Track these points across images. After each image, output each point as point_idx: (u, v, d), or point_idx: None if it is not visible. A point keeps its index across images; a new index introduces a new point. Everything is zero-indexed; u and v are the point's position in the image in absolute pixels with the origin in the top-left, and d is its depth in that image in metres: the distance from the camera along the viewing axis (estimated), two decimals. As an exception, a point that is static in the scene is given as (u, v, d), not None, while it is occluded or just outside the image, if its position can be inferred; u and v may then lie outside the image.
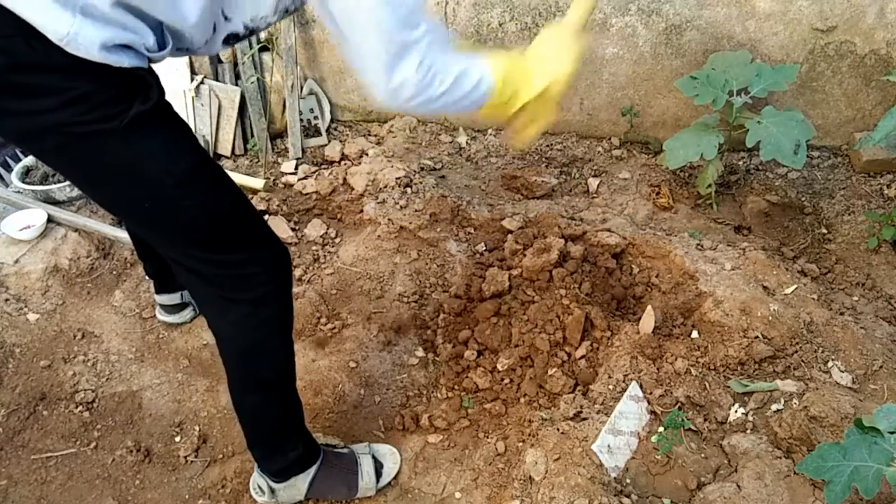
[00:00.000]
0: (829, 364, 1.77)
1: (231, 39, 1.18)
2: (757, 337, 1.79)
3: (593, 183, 2.56)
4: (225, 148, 2.72)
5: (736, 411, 1.69)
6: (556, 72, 1.22)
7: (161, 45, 1.06)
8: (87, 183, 1.14)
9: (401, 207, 2.35)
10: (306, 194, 2.53)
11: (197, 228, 1.17)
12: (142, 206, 1.12)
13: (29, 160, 2.56)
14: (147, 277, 2.06)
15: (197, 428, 1.83)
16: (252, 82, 2.66)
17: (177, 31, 1.07)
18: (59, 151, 1.04)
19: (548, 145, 2.77)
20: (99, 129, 1.00)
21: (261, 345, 1.34)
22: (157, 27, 1.04)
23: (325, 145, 2.77)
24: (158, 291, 2.03)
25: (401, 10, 0.98)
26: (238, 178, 2.50)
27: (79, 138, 1.01)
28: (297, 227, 2.41)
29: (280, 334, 1.38)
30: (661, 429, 1.64)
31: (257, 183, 2.52)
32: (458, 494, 1.64)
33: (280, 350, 1.40)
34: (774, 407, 1.67)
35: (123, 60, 0.99)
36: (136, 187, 1.10)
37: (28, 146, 1.10)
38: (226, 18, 1.12)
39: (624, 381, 1.72)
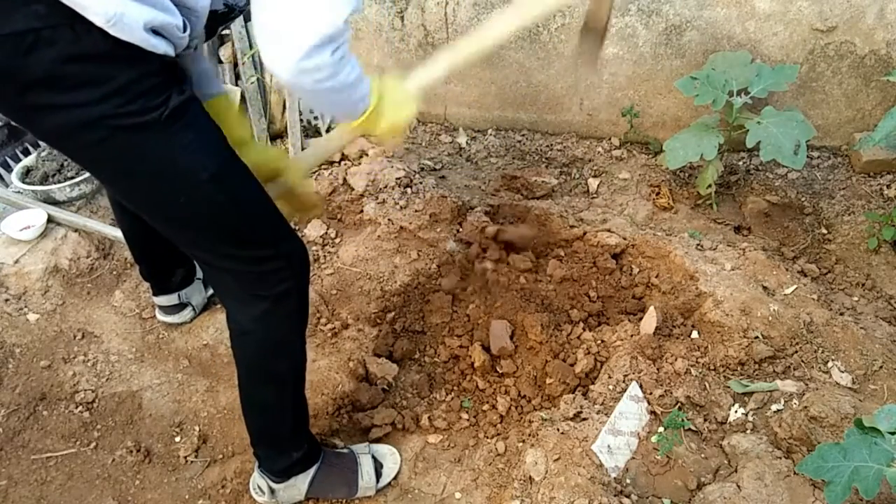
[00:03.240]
0: (829, 364, 1.77)
1: (211, 24, 1.18)
2: (757, 337, 1.79)
3: (593, 183, 2.56)
4: (225, 148, 2.72)
5: (736, 411, 1.69)
6: (403, 114, 1.34)
7: (184, 28, 1.07)
8: (124, 180, 1.14)
9: (401, 208, 2.35)
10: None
11: (228, 223, 1.19)
12: (177, 201, 1.13)
13: (29, 160, 2.56)
14: (144, 280, 2.07)
15: (197, 428, 1.83)
16: (252, 82, 2.66)
17: (189, 16, 1.08)
18: (100, 147, 1.04)
19: (548, 145, 2.77)
20: (140, 121, 1.01)
21: (279, 339, 1.36)
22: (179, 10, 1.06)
23: (325, 145, 2.76)
24: (156, 293, 2.03)
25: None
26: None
27: (120, 131, 1.01)
28: (297, 228, 2.41)
29: (299, 329, 1.40)
30: (661, 429, 1.64)
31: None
32: (458, 494, 1.64)
33: (297, 345, 1.42)
34: (774, 407, 1.67)
35: (160, 46, 1.00)
36: (173, 182, 1.11)
37: (67, 144, 1.08)
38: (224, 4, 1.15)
39: (624, 382, 1.72)
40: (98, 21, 0.93)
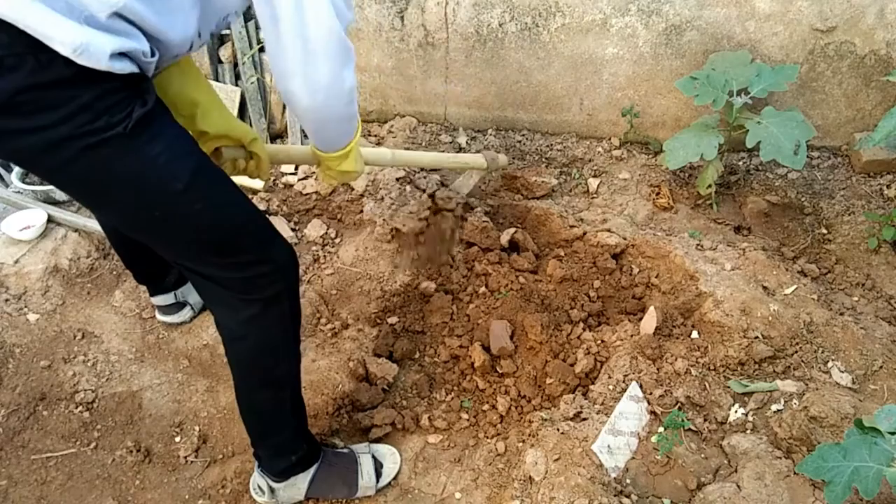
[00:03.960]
0: (829, 364, 1.77)
1: (194, 46, 1.19)
2: (757, 337, 1.79)
3: (593, 183, 2.56)
4: (225, 148, 2.72)
5: (736, 411, 1.69)
6: (359, 167, 1.48)
7: (152, 53, 1.07)
8: (98, 199, 1.13)
9: (400, 207, 2.36)
10: (306, 194, 2.53)
11: (207, 232, 1.17)
12: (152, 215, 1.12)
13: (29, 160, 2.56)
14: (139, 284, 2.06)
15: (197, 428, 1.82)
16: (252, 83, 2.66)
17: (160, 42, 1.08)
18: (68, 167, 1.03)
19: (548, 145, 2.77)
20: (105, 137, 1.00)
21: (273, 342, 1.35)
22: (146, 38, 1.05)
23: (325, 145, 2.76)
24: (153, 294, 2.03)
25: (345, 16, 1.09)
26: (238, 179, 2.49)
27: (87, 150, 1.00)
28: (297, 228, 2.41)
29: (291, 331, 1.40)
30: (661, 429, 1.64)
31: (257, 183, 2.52)
32: (458, 494, 1.64)
33: (291, 347, 1.42)
34: (774, 407, 1.67)
35: (126, 67, 0.99)
36: (146, 196, 1.09)
37: (36, 166, 1.07)
38: (199, 36, 1.16)
39: (624, 382, 1.72)
40: (64, 51, 0.92)
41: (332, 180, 1.52)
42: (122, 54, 0.99)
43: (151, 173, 1.07)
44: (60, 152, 1.00)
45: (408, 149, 2.75)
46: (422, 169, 2.50)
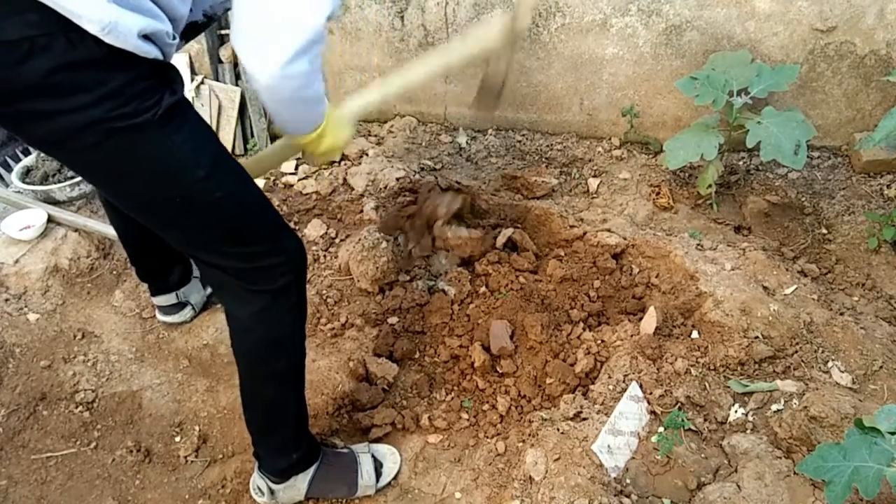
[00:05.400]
0: (829, 364, 1.77)
1: (189, 32, 1.19)
2: (757, 337, 1.79)
3: (593, 183, 2.56)
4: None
5: (736, 411, 1.69)
6: (342, 136, 1.40)
7: (173, 36, 1.08)
8: (119, 182, 1.14)
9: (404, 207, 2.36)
10: (306, 194, 2.53)
11: (225, 220, 1.19)
12: (172, 201, 1.13)
13: (29, 160, 2.56)
14: (141, 281, 2.07)
15: (197, 428, 1.83)
16: (252, 82, 2.66)
17: (174, 22, 1.09)
18: (94, 150, 1.04)
19: (548, 145, 2.77)
20: (134, 122, 1.01)
21: (281, 335, 1.36)
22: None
23: (325, 145, 2.76)
24: (154, 294, 2.03)
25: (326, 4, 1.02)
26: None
27: (114, 134, 1.01)
28: (297, 227, 2.41)
29: (298, 325, 1.41)
30: (661, 429, 1.64)
31: (258, 183, 2.52)
32: (458, 494, 1.64)
33: (297, 341, 1.43)
34: (774, 407, 1.67)
35: (152, 51, 1.01)
36: (169, 182, 1.11)
37: (61, 149, 1.08)
38: (190, 11, 1.16)
39: (624, 381, 1.72)
40: (92, 29, 0.93)
41: (322, 159, 1.49)
42: (148, 38, 1.00)
43: (176, 160, 1.09)
44: (88, 135, 1.01)
45: (408, 149, 2.75)
46: (422, 168, 2.49)
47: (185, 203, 1.14)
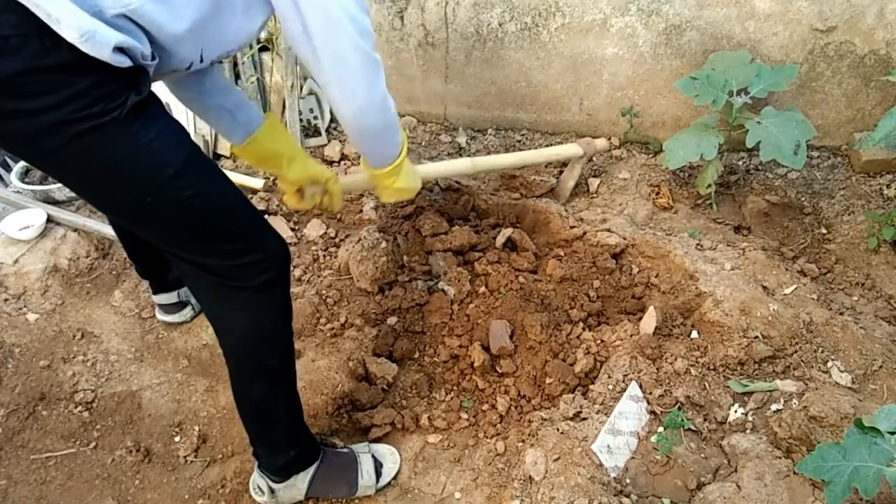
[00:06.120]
0: (829, 364, 1.77)
1: (193, 66, 1.21)
2: (757, 337, 1.79)
3: (593, 183, 2.56)
4: (225, 148, 2.72)
5: (736, 411, 1.69)
6: (413, 183, 1.70)
7: (153, 57, 1.08)
8: (88, 184, 1.14)
9: (401, 207, 2.36)
10: (306, 194, 2.53)
11: (197, 220, 1.18)
12: (143, 201, 1.12)
13: (28, 160, 2.56)
14: (141, 279, 2.06)
15: (197, 428, 1.82)
16: (252, 82, 2.66)
17: (164, 52, 1.10)
18: (61, 152, 1.03)
19: (547, 145, 2.77)
20: (100, 122, 1.01)
21: (267, 330, 1.36)
22: (149, 42, 1.07)
23: (325, 145, 2.77)
24: (155, 292, 2.03)
25: (362, 24, 1.19)
26: (238, 178, 2.50)
27: (80, 135, 1.01)
28: (296, 227, 2.41)
29: (284, 319, 1.40)
30: (660, 429, 1.64)
31: (257, 183, 2.52)
32: (457, 494, 1.64)
33: (285, 335, 1.42)
34: (774, 407, 1.67)
35: (125, 62, 1.01)
36: (138, 182, 1.10)
37: (28, 151, 1.07)
38: (201, 60, 1.19)
39: (623, 381, 1.72)
40: (70, 36, 0.93)
41: (391, 198, 1.69)
42: (124, 51, 1.00)
43: (144, 158, 1.08)
44: (54, 137, 1.00)
45: (408, 148, 2.75)
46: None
47: (156, 202, 1.13)
